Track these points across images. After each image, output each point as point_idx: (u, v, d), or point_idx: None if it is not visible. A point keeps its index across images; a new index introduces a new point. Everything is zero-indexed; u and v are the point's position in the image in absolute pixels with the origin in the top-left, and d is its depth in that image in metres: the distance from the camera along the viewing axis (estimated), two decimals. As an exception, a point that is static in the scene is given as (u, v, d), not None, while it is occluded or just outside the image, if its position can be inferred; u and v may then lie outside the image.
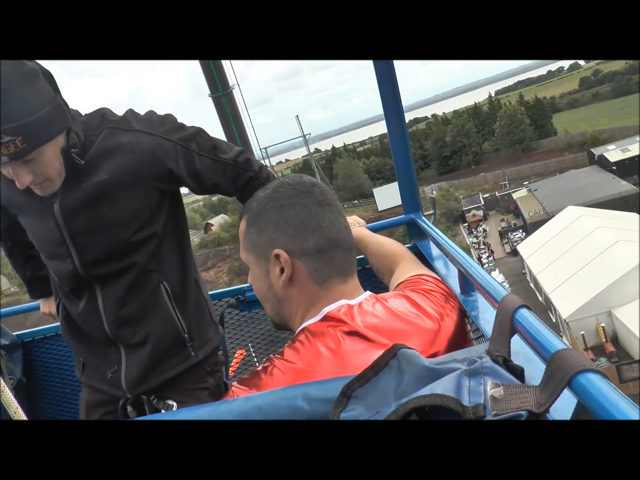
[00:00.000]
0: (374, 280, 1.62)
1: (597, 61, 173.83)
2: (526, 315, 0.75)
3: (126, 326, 1.45)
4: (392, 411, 0.62)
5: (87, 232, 1.37)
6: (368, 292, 1.11)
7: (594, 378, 0.55)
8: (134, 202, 1.38)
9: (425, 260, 1.70)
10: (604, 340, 19.01)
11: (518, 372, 0.66)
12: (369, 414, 0.68)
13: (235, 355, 2.26)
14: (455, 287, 1.28)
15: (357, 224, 1.73)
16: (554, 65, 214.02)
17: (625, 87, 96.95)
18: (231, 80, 5.90)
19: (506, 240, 36.33)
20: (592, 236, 23.32)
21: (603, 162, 42.68)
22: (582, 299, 19.64)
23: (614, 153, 42.62)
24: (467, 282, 1.23)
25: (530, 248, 27.53)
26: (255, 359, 2.37)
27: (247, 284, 1.92)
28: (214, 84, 5.64)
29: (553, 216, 30.32)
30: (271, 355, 1.03)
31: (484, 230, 40.88)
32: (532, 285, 26.56)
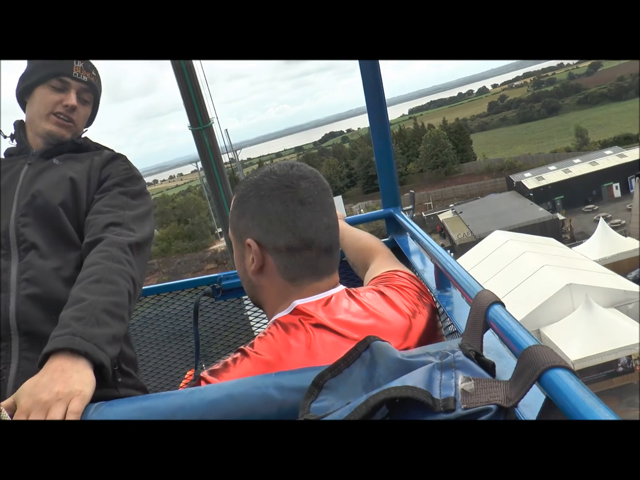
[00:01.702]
0: (350, 273, 1.60)
1: (503, 87, 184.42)
2: (500, 312, 0.75)
3: (40, 309, 1.28)
4: (363, 402, 0.61)
5: (33, 204, 1.39)
6: (341, 286, 1.11)
7: (563, 375, 0.55)
8: (83, 205, 1.43)
9: (402, 254, 1.71)
10: (534, 355, 21.01)
11: (489, 367, 0.67)
12: (339, 404, 0.67)
13: (185, 376, 2.24)
14: (431, 282, 1.29)
15: None
16: (464, 87, 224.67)
17: (528, 114, 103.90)
18: (211, 113, 5.75)
19: (436, 259, 38.24)
20: (519, 260, 25.18)
21: (521, 188, 45.24)
22: (514, 318, 21.52)
23: (530, 180, 45.25)
24: (443, 278, 1.24)
25: (462, 269, 29.38)
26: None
27: (224, 272, 2.06)
28: (195, 118, 5.53)
29: (480, 239, 31.97)
30: (241, 347, 1.01)
31: (413, 249, 42.77)
32: (465, 304, 28.28)
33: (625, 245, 28.56)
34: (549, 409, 0.58)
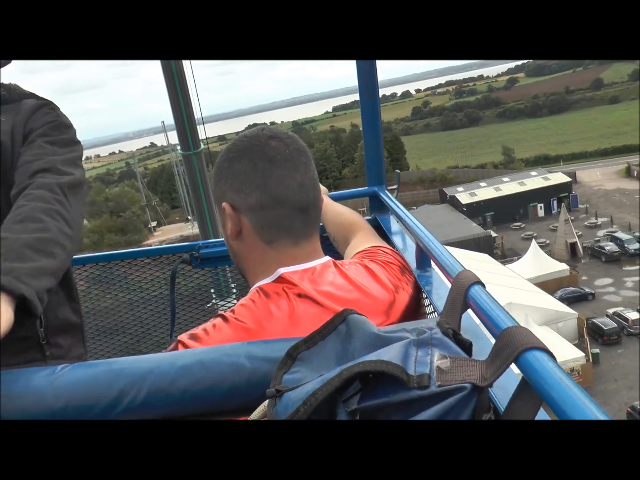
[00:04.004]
0: (330, 249, 1.55)
1: (426, 92, 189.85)
2: (480, 292, 0.75)
3: None
4: (336, 374, 0.61)
5: None
6: (327, 257, 1.10)
7: (540, 356, 0.56)
8: (11, 171, 1.26)
9: (383, 233, 1.72)
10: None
11: (466, 346, 0.66)
12: (312, 376, 0.67)
13: None
14: (412, 262, 1.29)
15: None
16: (389, 89, 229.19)
17: (451, 122, 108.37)
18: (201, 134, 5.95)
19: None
20: (462, 276, 27.13)
21: (454, 202, 47.56)
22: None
23: (463, 195, 47.73)
24: (424, 258, 1.25)
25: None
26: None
27: (203, 240, 2.04)
28: (186, 142, 5.70)
29: (421, 251, 33.81)
30: (222, 312, 0.99)
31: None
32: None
33: (553, 266, 31.13)
34: (523, 390, 0.58)
